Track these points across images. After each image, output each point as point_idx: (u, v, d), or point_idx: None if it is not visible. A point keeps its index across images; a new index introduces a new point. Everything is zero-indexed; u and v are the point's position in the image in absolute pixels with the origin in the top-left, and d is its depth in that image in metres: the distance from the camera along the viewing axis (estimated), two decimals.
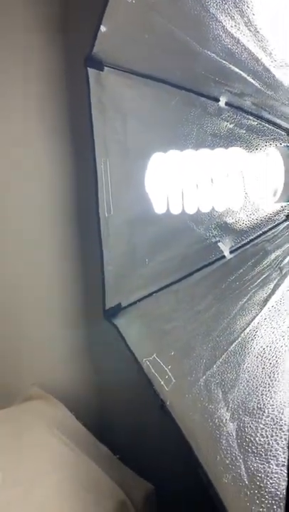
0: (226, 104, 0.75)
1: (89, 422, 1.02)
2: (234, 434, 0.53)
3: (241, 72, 0.62)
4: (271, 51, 0.55)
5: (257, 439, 0.51)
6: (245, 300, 0.68)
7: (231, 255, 0.79)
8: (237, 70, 0.63)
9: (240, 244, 0.79)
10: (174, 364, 0.69)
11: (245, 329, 0.64)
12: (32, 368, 1.13)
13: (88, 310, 1.11)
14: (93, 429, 1.01)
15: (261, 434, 0.51)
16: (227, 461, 0.51)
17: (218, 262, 0.80)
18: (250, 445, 0.51)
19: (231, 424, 0.54)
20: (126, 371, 1.03)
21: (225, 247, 0.80)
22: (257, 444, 0.50)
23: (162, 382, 0.67)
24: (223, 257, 0.80)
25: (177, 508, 0.89)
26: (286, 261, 0.67)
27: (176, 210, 0.66)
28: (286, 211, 0.74)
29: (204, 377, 0.63)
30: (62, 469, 0.84)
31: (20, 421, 0.98)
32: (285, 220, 0.74)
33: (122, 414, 1.10)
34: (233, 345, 0.64)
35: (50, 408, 1.04)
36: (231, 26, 0.55)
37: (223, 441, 0.53)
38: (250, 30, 0.54)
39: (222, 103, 0.75)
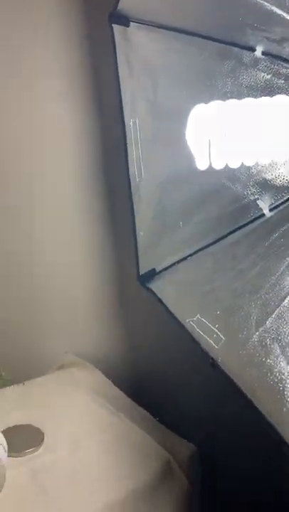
0: (263, 53, 0.71)
1: (124, 388, 1.03)
2: None
3: (284, 14, 0.59)
4: None
5: None
6: None
7: (271, 213, 0.77)
8: (280, 11, 0.59)
9: (280, 201, 0.77)
10: (221, 323, 0.69)
11: None
12: (66, 335, 1.13)
13: (121, 276, 1.10)
14: (129, 395, 1.02)
15: None
16: None
17: (257, 221, 0.79)
18: None
19: None
20: (160, 335, 1.03)
21: (264, 205, 0.77)
22: None
23: (211, 341, 0.67)
24: (263, 215, 0.78)
25: (220, 470, 0.90)
26: None
27: (216, 165, 0.63)
28: None
29: (257, 333, 0.63)
30: (105, 431, 0.86)
31: (58, 386, 1.00)
32: None
33: (157, 379, 1.11)
34: (286, 300, 0.62)
35: (87, 374, 1.05)
36: None
37: (288, 393, 0.53)
38: None
39: (258, 52, 0.72)
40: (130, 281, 0.97)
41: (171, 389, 1.04)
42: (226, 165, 0.63)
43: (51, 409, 0.92)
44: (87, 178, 1.08)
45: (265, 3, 0.59)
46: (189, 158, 0.73)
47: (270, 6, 0.59)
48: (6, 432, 0.74)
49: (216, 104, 0.63)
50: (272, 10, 0.59)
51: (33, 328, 1.11)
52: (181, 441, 0.87)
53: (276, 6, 0.59)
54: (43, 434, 0.84)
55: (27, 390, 0.98)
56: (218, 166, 0.64)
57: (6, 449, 0.72)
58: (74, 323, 1.14)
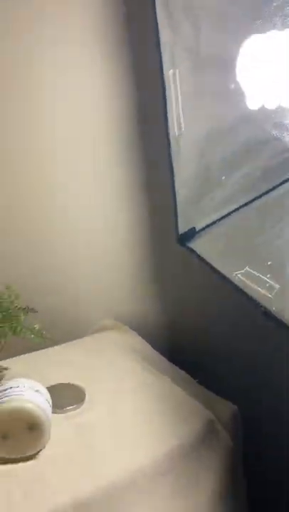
0: None
1: (161, 350, 1.02)
2: None
3: None
4: None
5: None
6: None
7: None
8: None
9: None
10: (274, 272, 0.66)
11: None
12: (103, 299, 1.13)
13: (157, 237, 1.08)
14: (166, 357, 1.01)
15: None
16: None
17: None
18: None
19: None
20: (197, 296, 1.01)
21: None
22: None
23: (263, 291, 0.65)
24: None
25: (263, 434, 0.89)
26: None
27: (268, 104, 0.59)
28: None
29: None
30: (146, 390, 0.86)
31: (97, 348, 1.01)
32: None
33: (195, 341, 1.10)
34: None
35: (125, 336, 1.05)
36: None
37: None
38: None
39: None
40: (166, 242, 0.94)
41: (210, 350, 1.03)
42: (279, 105, 0.59)
43: (91, 368, 0.93)
44: (122, 133, 1.05)
45: None
46: (237, 107, 0.68)
47: None
48: (49, 390, 0.74)
49: (273, 34, 0.58)
50: None
51: (72, 293, 1.11)
52: (222, 402, 0.86)
53: None
54: (84, 392, 0.84)
55: (67, 350, 0.99)
56: (270, 105, 0.59)
57: (51, 403, 0.72)
58: (111, 287, 1.14)
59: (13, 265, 1.04)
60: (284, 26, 0.69)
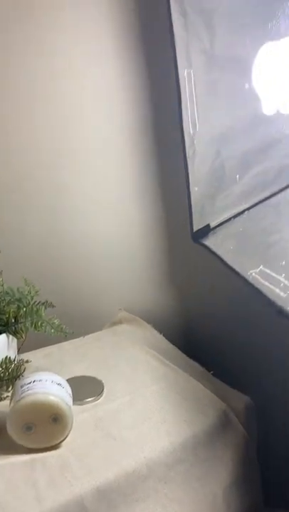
0: None
1: (176, 343, 1.05)
2: None
3: None
4: None
5: None
6: None
7: None
8: None
9: None
10: (288, 272, 0.68)
11: None
12: (119, 292, 1.16)
13: (173, 233, 1.10)
14: (181, 350, 1.04)
15: None
16: None
17: None
18: None
19: None
20: (211, 291, 1.04)
21: None
22: None
23: (277, 290, 0.67)
24: None
25: (277, 422, 0.91)
26: None
27: (284, 109, 0.61)
28: None
29: None
30: (161, 381, 0.89)
31: (113, 341, 1.03)
32: None
33: (209, 335, 1.12)
34: None
35: (140, 329, 1.08)
36: None
37: None
38: None
39: None
40: (181, 238, 0.97)
41: (224, 343, 1.05)
42: None
43: (109, 361, 0.96)
44: (137, 131, 1.07)
45: None
46: (252, 107, 0.70)
47: None
48: (68, 382, 0.77)
49: (280, 52, 0.60)
50: None
51: (89, 287, 1.14)
52: (236, 394, 0.88)
53: None
54: (102, 384, 0.87)
55: (85, 343, 1.02)
56: (286, 110, 0.61)
57: (72, 396, 0.75)
58: (127, 281, 1.16)
59: (31, 261, 1.07)
60: None
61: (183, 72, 0.83)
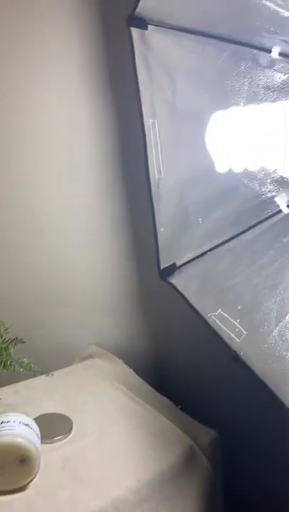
0: (280, 54, 0.73)
1: (146, 377, 1.07)
2: None
3: None
4: None
5: None
6: None
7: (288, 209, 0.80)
8: None
9: None
10: (243, 317, 0.72)
11: None
12: (89, 327, 1.18)
13: (143, 270, 1.14)
14: (151, 385, 1.06)
15: None
16: None
17: (275, 217, 0.81)
18: None
19: None
20: (180, 327, 1.07)
21: (282, 202, 0.80)
22: None
23: (233, 335, 0.71)
24: (280, 211, 0.81)
25: (241, 455, 0.94)
26: None
27: (235, 168, 0.66)
28: None
29: (277, 328, 0.66)
30: (129, 419, 0.90)
31: (82, 377, 1.05)
32: None
33: (178, 369, 1.15)
34: None
35: (110, 364, 1.10)
36: None
37: None
38: None
39: (275, 54, 0.74)
40: (151, 275, 1.00)
41: (193, 378, 1.08)
42: (245, 168, 0.66)
43: (78, 398, 0.97)
44: (107, 176, 1.12)
45: (282, 10, 0.61)
46: (209, 160, 0.75)
47: (285, 12, 0.61)
48: (37, 420, 0.79)
49: (234, 110, 0.65)
50: (288, 16, 0.62)
51: (58, 322, 1.16)
52: (202, 428, 0.91)
53: None
54: (71, 421, 0.89)
55: (55, 380, 1.03)
56: (237, 169, 0.67)
57: (40, 436, 0.77)
58: (97, 316, 1.19)
59: (1, 297, 1.09)
60: (252, 88, 0.76)
61: (148, 121, 0.88)
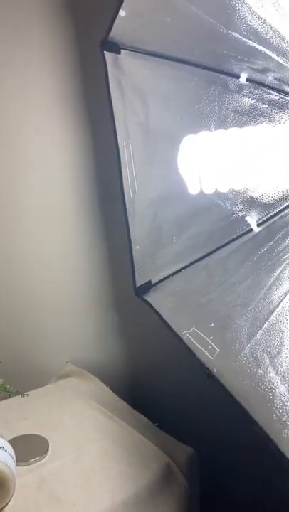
0: (247, 80, 0.76)
1: (123, 395, 1.07)
2: (287, 394, 0.58)
3: (265, 50, 0.64)
4: None
5: None
6: (279, 271, 0.72)
7: (259, 228, 0.82)
8: (261, 47, 0.64)
9: (267, 217, 0.82)
10: (216, 335, 0.74)
11: (283, 299, 0.68)
12: (65, 345, 1.18)
13: (119, 288, 1.15)
14: (127, 402, 1.06)
15: None
16: (284, 419, 0.56)
17: (246, 236, 0.84)
18: None
19: (283, 386, 0.59)
20: (157, 344, 1.08)
21: (252, 221, 0.83)
22: None
23: (206, 352, 0.72)
24: (251, 230, 0.84)
25: (219, 473, 0.95)
26: None
27: (206, 190, 0.68)
28: None
29: (249, 345, 0.68)
30: (106, 437, 0.90)
31: (59, 396, 1.04)
32: None
33: (155, 386, 1.16)
34: (274, 314, 0.68)
35: (87, 383, 1.10)
36: (258, 7, 0.57)
37: (277, 402, 0.58)
38: (278, 10, 0.56)
39: (243, 79, 0.77)
40: (127, 292, 1.01)
41: (169, 395, 1.09)
42: (216, 189, 0.68)
43: (54, 417, 0.97)
44: (83, 195, 1.13)
45: (247, 40, 0.65)
46: (182, 180, 0.78)
47: (252, 42, 0.64)
48: (12, 442, 0.78)
49: (205, 133, 0.68)
50: (254, 46, 0.65)
51: (34, 341, 1.15)
52: (179, 445, 0.91)
53: (257, 43, 0.64)
54: (47, 442, 0.88)
55: (30, 400, 1.02)
56: (208, 190, 0.69)
57: (15, 458, 0.76)
58: (73, 334, 1.19)
59: None
60: (222, 111, 0.78)
61: (122, 143, 0.90)
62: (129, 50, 0.85)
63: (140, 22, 0.76)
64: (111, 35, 0.84)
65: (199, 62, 0.79)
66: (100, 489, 0.77)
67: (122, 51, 0.86)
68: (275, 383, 0.60)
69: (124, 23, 0.76)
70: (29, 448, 0.85)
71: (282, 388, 0.58)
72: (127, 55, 0.86)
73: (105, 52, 0.87)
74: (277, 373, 0.60)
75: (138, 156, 0.90)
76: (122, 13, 0.74)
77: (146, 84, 0.85)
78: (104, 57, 0.88)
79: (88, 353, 1.18)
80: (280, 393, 0.58)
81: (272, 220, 0.80)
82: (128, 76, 0.86)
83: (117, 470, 0.81)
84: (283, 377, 0.59)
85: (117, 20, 0.77)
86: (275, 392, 0.59)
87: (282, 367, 0.60)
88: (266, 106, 0.76)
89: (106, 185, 1.10)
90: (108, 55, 0.87)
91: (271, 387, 0.60)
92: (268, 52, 0.64)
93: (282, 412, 0.57)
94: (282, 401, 0.57)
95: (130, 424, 0.94)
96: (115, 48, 0.86)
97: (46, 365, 1.15)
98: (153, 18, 0.73)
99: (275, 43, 0.61)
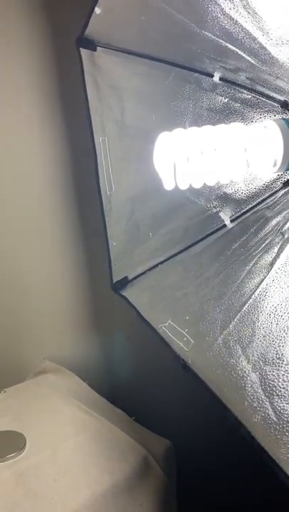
0: (220, 79, 0.78)
1: (100, 390, 1.08)
2: (258, 381, 0.60)
3: (237, 50, 0.66)
4: (268, 30, 0.59)
5: (280, 383, 0.58)
6: (251, 265, 0.74)
7: (232, 224, 0.85)
8: (233, 47, 0.66)
9: (240, 213, 0.84)
10: (191, 327, 0.75)
11: (255, 291, 0.70)
12: (42, 342, 1.18)
13: (96, 283, 1.16)
14: (105, 397, 1.07)
15: (283, 380, 0.58)
16: (254, 405, 0.58)
17: (220, 231, 0.86)
18: (274, 389, 0.58)
19: (254, 373, 0.61)
20: (133, 339, 1.10)
21: (226, 217, 0.85)
22: (280, 387, 0.58)
23: (181, 344, 0.74)
24: (224, 226, 0.86)
25: (195, 462, 0.97)
26: (287, 226, 0.73)
27: (181, 186, 0.70)
28: (283, 179, 0.79)
29: (222, 336, 0.70)
30: (83, 432, 0.91)
31: (36, 392, 1.05)
32: (282, 188, 0.79)
33: (132, 381, 1.17)
34: (246, 306, 0.70)
35: (64, 379, 1.10)
36: (230, 9, 0.59)
37: (249, 389, 0.60)
38: (249, 12, 0.58)
39: (216, 78, 0.79)
40: (104, 288, 1.02)
41: (146, 390, 1.10)
42: (190, 185, 0.70)
43: (31, 414, 0.97)
44: (60, 191, 1.13)
45: (220, 40, 0.66)
46: (157, 177, 0.79)
47: (224, 42, 0.66)
48: None
49: (180, 130, 0.69)
50: (227, 46, 0.67)
51: (10, 337, 1.15)
52: (156, 438, 0.93)
53: (230, 43, 0.66)
54: (24, 438, 0.88)
55: (7, 397, 1.02)
56: (183, 186, 0.70)
57: None
58: (50, 330, 1.19)
59: None
60: (196, 109, 0.80)
61: (98, 139, 0.91)
62: (105, 48, 0.85)
63: (115, 20, 0.77)
64: (87, 32, 0.85)
65: (174, 61, 0.80)
66: (78, 483, 0.77)
67: (98, 48, 0.86)
68: (247, 371, 0.62)
69: (100, 20, 0.77)
70: (6, 444, 0.86)
71: (253, 376, 0.60)
72: (103, 53, 0.86)
73: (81, 49, 0.88)
74: (248, 362, 0.62)
75: (114, 153, 0.91)
76: (97, 10, 0.75)
77: (121, 81, 0.86)
78: (80, 54, 0.88)
79: (65, 349, 1.19)
80: (252, 381, 0.60)
81: (245, 215, 0.82)
82: (104, 73, 0.87)
83: (95, 464, 0.82)
84: (254, 365, 0.61)
85: (92, 18, 0.77)
86: (247, 379, 0.61)
87: (253, 356, 0.62)
88: (239, 104, 0.78)
89: (83, 181, 1.11)
90: (84, 52, 0.88)
91: (243, 375, 0.62)
92: (240, 52, 0.66)
93: (253, 398, 0.59)
94: (253, 388, 0.59)
95: (108, 419, 0.95)
96: (91, 45, 0.87)
97: (23, 362, 1.15)
98: (128, 16, 0.74)
99: (246, 44, 0.63)
